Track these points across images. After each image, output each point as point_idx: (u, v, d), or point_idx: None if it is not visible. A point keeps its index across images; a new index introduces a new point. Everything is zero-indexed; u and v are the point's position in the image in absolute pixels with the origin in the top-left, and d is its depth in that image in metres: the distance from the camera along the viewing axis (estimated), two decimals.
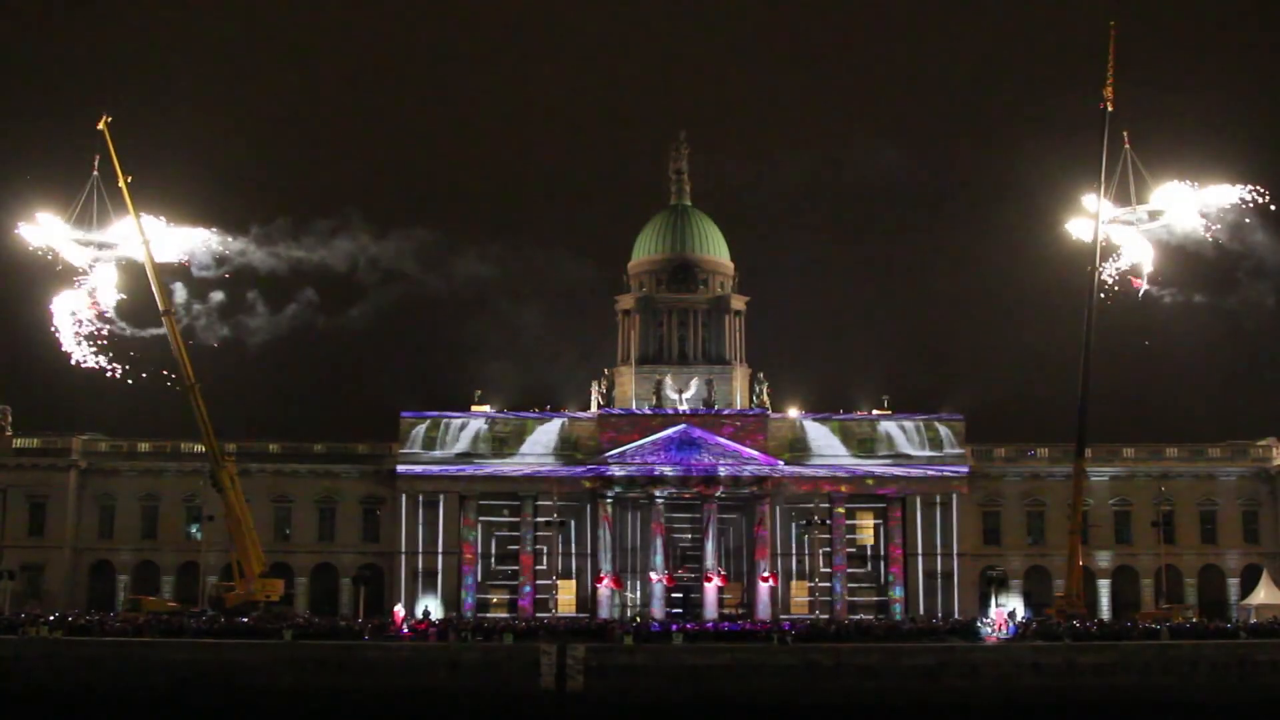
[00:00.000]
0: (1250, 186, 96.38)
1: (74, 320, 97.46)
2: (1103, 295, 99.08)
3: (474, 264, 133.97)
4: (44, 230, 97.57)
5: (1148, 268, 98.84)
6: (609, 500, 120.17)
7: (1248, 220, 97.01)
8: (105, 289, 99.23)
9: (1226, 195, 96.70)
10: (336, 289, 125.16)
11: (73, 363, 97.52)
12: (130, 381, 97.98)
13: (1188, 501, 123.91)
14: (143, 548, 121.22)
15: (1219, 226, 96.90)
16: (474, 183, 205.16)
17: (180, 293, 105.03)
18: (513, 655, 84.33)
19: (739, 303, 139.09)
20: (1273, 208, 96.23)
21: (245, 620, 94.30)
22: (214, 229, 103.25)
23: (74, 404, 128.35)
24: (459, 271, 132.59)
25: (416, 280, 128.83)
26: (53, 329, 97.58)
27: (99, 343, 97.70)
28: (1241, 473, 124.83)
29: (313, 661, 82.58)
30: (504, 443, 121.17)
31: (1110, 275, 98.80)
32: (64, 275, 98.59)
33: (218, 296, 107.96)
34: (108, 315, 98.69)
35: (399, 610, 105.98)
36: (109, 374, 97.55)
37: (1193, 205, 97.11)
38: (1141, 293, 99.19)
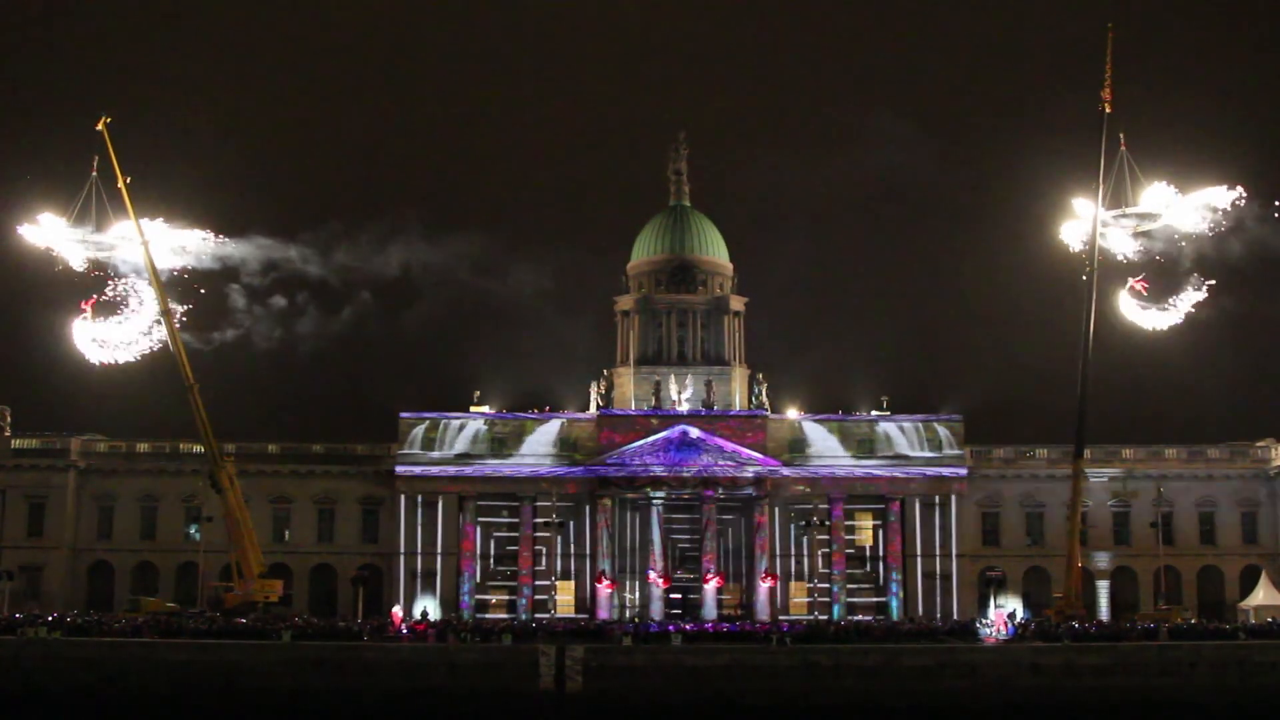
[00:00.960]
0: (1235, 186, 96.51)
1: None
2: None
3: (475, 265, 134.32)
4: (45, 231, 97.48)
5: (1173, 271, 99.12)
6: (608, 501, 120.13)
7: (1235, 220, 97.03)
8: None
9: (1216, 198, 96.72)
10: (328, 296, 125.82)
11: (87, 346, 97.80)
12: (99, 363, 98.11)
13: (1186, 503, 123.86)
14: (142, 548, 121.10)
15: (1218, 227, 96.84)
16: (471, 183, 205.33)
17: (239, 298, 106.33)
18: (511, 656, 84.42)
19: (738, 303, 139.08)
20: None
21: (244, 621, 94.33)
22: (216, 234, 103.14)
23: (73, 404, 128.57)
24: (461, 273, 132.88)
25: (424, 287, 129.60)
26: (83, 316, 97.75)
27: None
28: (1240, 474, 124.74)
29: (311, 662, 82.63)
30: (503, 443, 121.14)
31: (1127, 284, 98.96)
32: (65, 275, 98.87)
33: (279, 302, 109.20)
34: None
35: (397, 611, 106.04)
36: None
37: (1186, 208, 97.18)
38: (1133, 292, 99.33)
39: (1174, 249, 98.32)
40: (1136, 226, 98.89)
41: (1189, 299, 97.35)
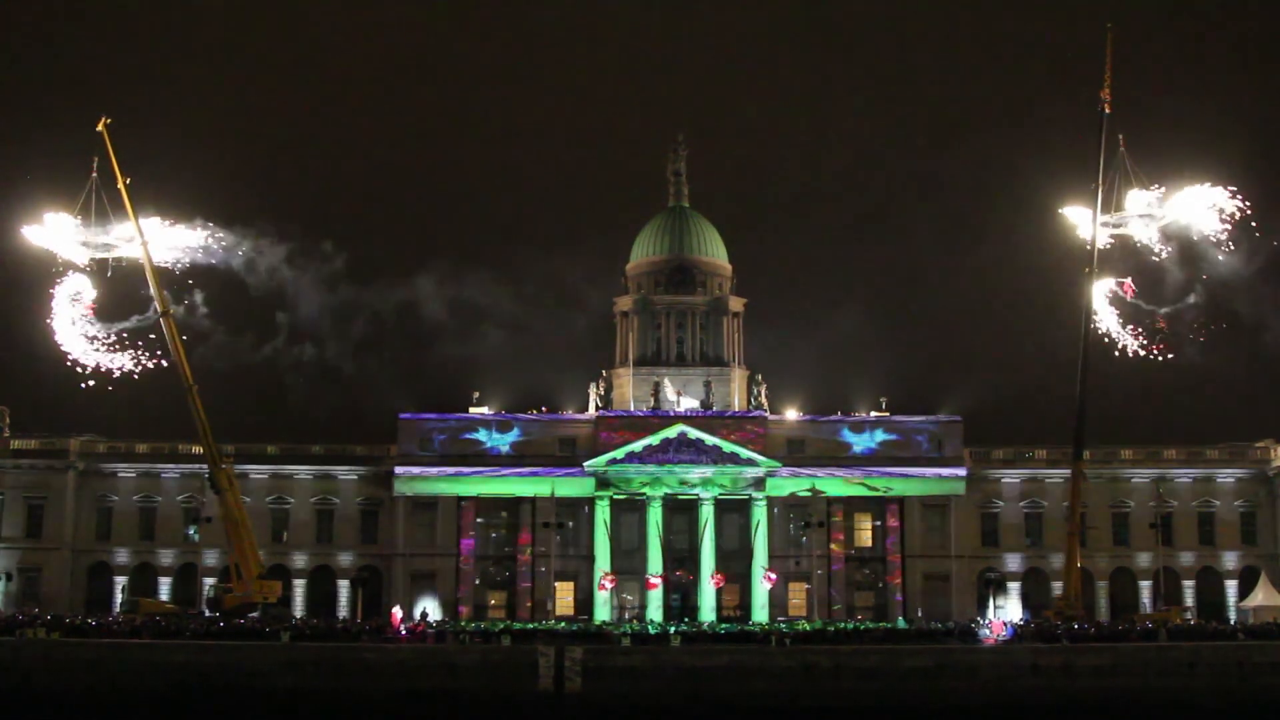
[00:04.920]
0: (1220, 185, 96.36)
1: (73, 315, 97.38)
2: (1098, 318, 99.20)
3: (474, 271, 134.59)
4: (50, 231, 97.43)
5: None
6: (606, 502, 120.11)
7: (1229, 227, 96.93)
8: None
9: (1202, 197, 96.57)
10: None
11: (70, 361, 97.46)
12: (126, 370, 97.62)
13: (1186, 503, 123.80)
14: (141, 549, 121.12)
15: (1220, 231, 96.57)
16: (471, 184, 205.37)
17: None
18: (511, 657, 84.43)
19: (737, 304, 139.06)
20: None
21: (243, 622, 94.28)
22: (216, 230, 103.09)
23: (72, 405, 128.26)
24: (458, 277, 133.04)
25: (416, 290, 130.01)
26: (50, 324, 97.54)
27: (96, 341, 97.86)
28: (1239, 474, 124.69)
29: (310, 663, 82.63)
30: (502, 444, 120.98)
31: (1109, 289, 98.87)
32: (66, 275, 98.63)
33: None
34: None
35: (397, 612, 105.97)
36: (109, 371, 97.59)
37: (1173, 210, 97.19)
38: (1130, 297, 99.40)
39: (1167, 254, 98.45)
40: (1137, 226, 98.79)
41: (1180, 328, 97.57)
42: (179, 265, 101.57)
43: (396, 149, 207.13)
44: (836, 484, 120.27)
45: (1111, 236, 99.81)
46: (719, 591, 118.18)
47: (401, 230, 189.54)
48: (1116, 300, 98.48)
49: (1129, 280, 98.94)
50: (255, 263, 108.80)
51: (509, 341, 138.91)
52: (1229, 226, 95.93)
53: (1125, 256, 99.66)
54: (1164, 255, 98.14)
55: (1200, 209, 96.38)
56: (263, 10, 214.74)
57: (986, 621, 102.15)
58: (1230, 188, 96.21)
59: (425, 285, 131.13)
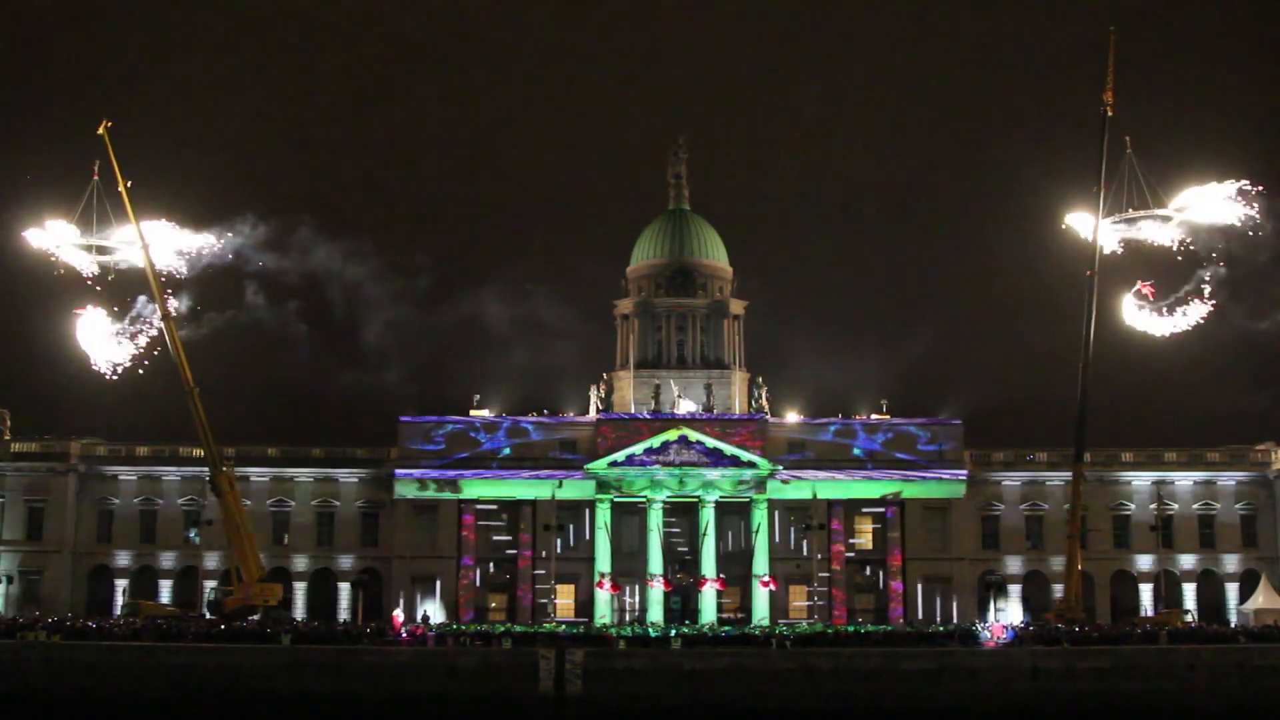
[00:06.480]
0: (1244, 181, 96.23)
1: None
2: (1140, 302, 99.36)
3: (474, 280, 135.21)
4: (51, 236, 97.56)
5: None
6: (607, 504, 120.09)
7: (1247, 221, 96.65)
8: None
9: (1222, 192, 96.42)
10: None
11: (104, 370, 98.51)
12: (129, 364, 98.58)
13: (1186, 506, 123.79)
14: (141, 552, 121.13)
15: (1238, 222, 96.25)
16: (470, 186, 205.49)
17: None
18: (511, 659, 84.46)
19: (738, 307, 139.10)
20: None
21: (244, 625, 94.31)
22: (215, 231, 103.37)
23: (73, 408, 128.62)
24: (457, 279, 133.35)
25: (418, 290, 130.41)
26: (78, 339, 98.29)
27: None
28: (1240, 477, 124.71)
29: (311, 666, 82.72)
30: (502, 447, 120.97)
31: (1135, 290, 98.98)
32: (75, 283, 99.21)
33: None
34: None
35: (398, 614, 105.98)
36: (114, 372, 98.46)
37: (1189, 204, 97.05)
38: (1152, 298, 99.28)
39: (1181, 251, 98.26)
40: (1136, 230, 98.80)
41: (1196, 310, 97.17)
42: (288, 272, 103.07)
43: (395, 153, 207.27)
44: (837, 486, 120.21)
45: (1123, 240, 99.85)
46: (719, 594, 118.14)
47: (429, 243, 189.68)
48: (1141, 299, 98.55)
49: (1151, 282, 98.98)
50: (343, 270, 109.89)
51: (510, 344, 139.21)
52: (1255, 215, 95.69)
53: (1141, 257, 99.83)
54: (1180, 253, 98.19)
55: (1218, 203, 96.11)
56: (249, 21, 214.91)
57: (987, 624, 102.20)
58: (1243, 183, 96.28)
59: (484, 300, 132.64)
